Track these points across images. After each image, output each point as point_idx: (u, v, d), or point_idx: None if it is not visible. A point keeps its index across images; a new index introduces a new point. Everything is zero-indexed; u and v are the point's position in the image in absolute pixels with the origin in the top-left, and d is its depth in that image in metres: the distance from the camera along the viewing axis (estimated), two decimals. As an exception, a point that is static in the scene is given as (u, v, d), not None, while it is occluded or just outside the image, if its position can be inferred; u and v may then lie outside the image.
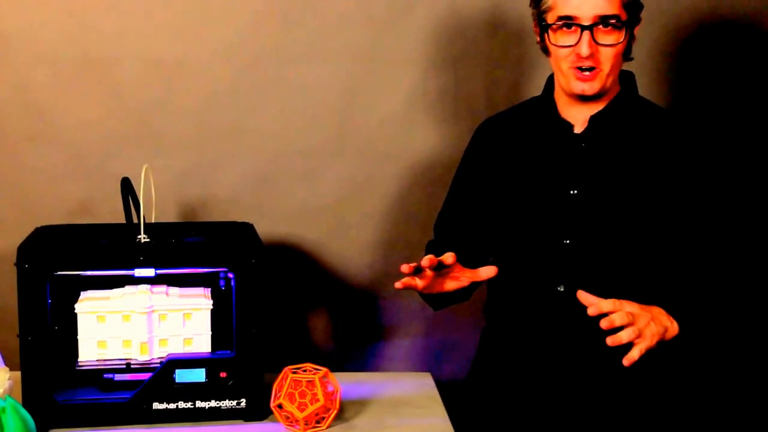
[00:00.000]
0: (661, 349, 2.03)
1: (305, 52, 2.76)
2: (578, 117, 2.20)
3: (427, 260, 2.05)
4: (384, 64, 2.78)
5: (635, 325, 1.97)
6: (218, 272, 2.41)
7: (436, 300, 2.30)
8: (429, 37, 2.77)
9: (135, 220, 2.33)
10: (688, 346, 2.14)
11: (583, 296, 2.01)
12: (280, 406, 2.25)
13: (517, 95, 2.73)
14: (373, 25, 2.76)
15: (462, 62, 2.79)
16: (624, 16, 2.08)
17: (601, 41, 2.08)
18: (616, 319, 1.96)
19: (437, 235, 2.47)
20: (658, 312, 2.04)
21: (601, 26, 2.07)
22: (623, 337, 1.96)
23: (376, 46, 2.77)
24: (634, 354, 1.97)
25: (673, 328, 2.04)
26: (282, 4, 2.74)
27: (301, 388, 2.23)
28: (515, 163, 2.28)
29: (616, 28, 2.08)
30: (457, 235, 2.40)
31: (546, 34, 2.15)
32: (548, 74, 2.28)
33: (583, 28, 2.07)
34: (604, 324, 1.96)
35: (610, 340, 1.96)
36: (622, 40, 2.08)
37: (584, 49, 2.07)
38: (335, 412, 2.26)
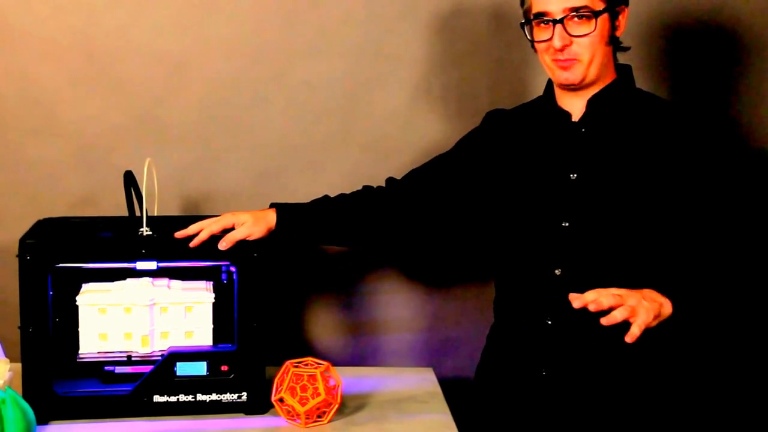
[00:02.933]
0: (661, 330, 2.04)
1: (309, 48, 2.75)
2: (575, 106, 2.23)
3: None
4: (388, 60, 2.77)
5: (626, 303, 1.99)
6: (220, 266, 2.42)
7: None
8: (433, 34, 2.77)
9: (137, 213, 2.33)
10: (686, 330, 2.15)
11: (573, 297, 2.04)
12: (281, 400, 2.24)
13: (521, 93, 2.72)
14: (378, 22, 2.75)
15: (466, 59, 2.78)
16: (596, 6, 2.12)
17: (573, 32, 2.13)
18: (604, 302, 1.98)
19: (404, 179, 2.48)
20: (649, 292, 2.04)
21: (572, 18, 2.12)
22: (617, 315, 1.97)
23: (381, 43, 2.76)
24: (634, 330, 1.98)
25: (666, 305, 2.03)
26: (287, 0, 2.73)
27: (302, 382, 2.22)
28: (516, 152, 2.31)
29: (588, 17, 2.12)
30: (420, 191, 2.43)
31: (530, 31, 2.22)
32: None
33: (555, 22, 2.13)
34: (592, 307, 1.98)
35: (605, 320, 1.97)
36: (594, 29, 2.12)
37: (556, 42, 2.13)
38: (337, 406, 2.26)
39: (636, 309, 1.99)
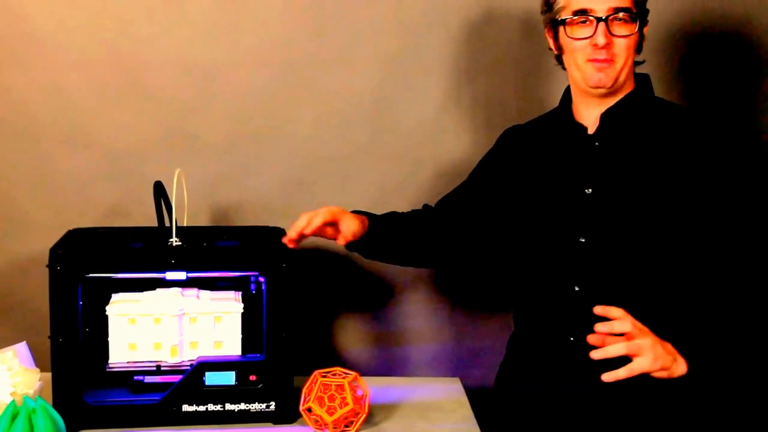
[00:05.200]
0: (669, 385, 2.04)
1: (338, 58, 2.76)
2: (591, 119, 2.24)
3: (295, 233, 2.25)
4: (416, 70, 2.77)
5: (633, 341, 1.98)
6: (249, 276, 2.43)
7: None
8: (462, 44, 2.77)
9: (167, 224, 2.34)
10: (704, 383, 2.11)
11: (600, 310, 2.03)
12: (309, 410, 2.25)
13: (550, 102, 2.71)
14: (406, 32, 2.75)
15: (495, 70, 2.78)
16: (635, 10, 2.15)
17: (615, 32, 2.14)
18: (610, 350, 1.98)
19: (437, 207, 2.51)
20: (666, 345, 2.01)
21: (614, 18, 2.14)
22: (610, 350, 1.97)
23: (409, 53, 2.76)
24: (620, 372, 1.98)
25: (680, 365, 2.01)
26: (315, 10, 2.74)
27: (330, 391, 2.23)
28: (533, 167, 2.32)
29: (629, 21, 2.15)
30: (454, 217, 2.46)
31: (560, 32, 2.21)
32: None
33: (599, 19, 2.14)
34: (593, 339, 2.00)
35: (595, 354, 1.98)
36: (636, 31, 2.15)
37: (600, 39, 2.14)
38: (364, 416, 2.26)
39: (641, 349, 1.98)
